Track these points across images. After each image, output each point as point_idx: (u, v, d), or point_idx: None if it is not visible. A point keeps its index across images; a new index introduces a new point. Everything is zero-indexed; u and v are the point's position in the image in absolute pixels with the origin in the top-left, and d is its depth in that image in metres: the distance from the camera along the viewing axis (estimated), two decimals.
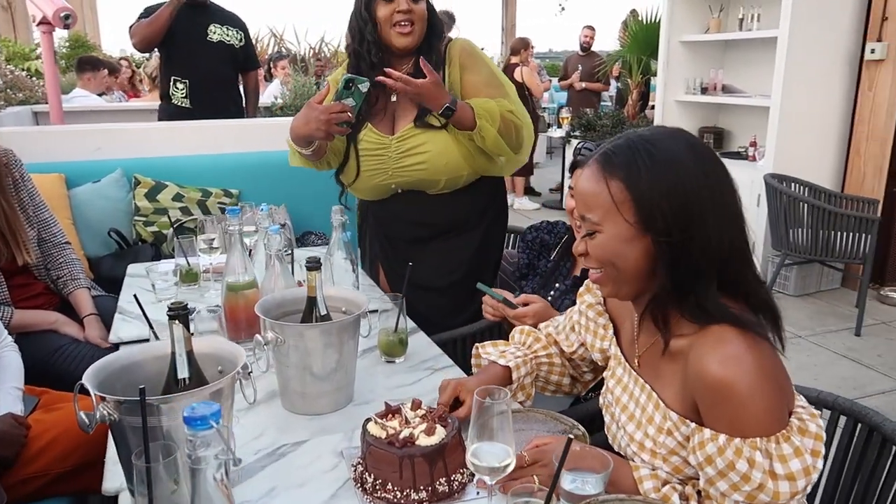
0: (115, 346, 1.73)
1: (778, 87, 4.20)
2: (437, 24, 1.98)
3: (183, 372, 1.07)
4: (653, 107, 6.21)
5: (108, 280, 2.46)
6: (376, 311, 1.64)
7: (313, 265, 1.37)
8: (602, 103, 8.03)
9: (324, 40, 11.05)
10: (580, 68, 7.39)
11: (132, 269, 2.31)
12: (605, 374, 1.25)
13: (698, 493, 1.02)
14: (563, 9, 8.26)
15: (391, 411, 1.16)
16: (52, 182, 2.69)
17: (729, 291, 1.01)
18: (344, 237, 1.83)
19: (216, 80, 3.79)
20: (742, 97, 4.83)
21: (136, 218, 2.84)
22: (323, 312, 1.39)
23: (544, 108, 9.73)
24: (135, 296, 1.45)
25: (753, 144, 4.71)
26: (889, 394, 3.14)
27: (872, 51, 4.10)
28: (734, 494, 0.94)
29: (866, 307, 3.82)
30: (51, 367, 1.93)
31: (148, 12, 3.62)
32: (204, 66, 3.73)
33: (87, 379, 1.03)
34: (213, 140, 3.13)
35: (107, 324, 2.01)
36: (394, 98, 1.98)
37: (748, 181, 4.41)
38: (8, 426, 1.46)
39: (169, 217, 2.68)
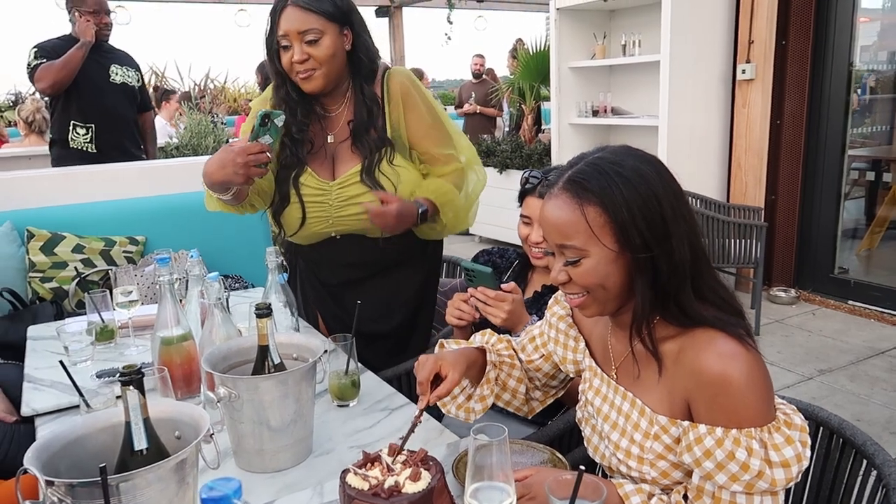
0: (29, 419, 1.57)
1: (664, 108, 4.47)
2: (363, 62, 1.86)
3: (140, 443, 0.97)
4: (544, 130, 6.45)
5: (4, 346, 2.22)
6: (325, 351, 1.57)
7: (263, 312, 1.29)
8: (497, 130, 8.26)
9: (209, 76, 10.78)
10: (474, 95, 7.58)
11: (33, 331, 2.11)
12: (581, 387, 1.26)
13: (685, 498, 1.04)
14: (449, 38, 8.44)
15: (370, 459, 1.10)
16: None
17: (701, 294, 1.05)
18: (280, 279, 1.75)
19: (121, 122, 3.63)
20: (630, 118, 5.11)
21: (32, 274, 2.60)
22: (276, 361, 1.32)
23: None
24: (60, 362, 1.31)
25: None
26: (793, 387, 3.37)
27: (743, 71, 4.45)
28: (733, 485, 0.97)
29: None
30: None
31: (45, 52, 3.38)
32: (110, 109, 3.57)
33: (29, 462, 0.92)
34: (112, 185, 2.93)
35: (11, 394, 1.81)
36: (330, 139, 1.90)
37: None
38: None
39: (77, 270, 2.47)
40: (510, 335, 1.64)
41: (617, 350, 1.16)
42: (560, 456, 1.23)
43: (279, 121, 1.67)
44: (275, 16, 1.76)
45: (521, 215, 1.79)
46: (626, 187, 1.00)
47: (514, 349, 1.42)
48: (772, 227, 4.60)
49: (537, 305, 1.72)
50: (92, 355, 1.83)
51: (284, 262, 1.75)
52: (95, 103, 3.50)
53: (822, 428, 1.29)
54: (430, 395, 1.21)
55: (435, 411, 1.47)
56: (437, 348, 1.44)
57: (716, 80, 4.59)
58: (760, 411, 0.98)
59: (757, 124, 4.51)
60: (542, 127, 6.63)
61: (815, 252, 4.64)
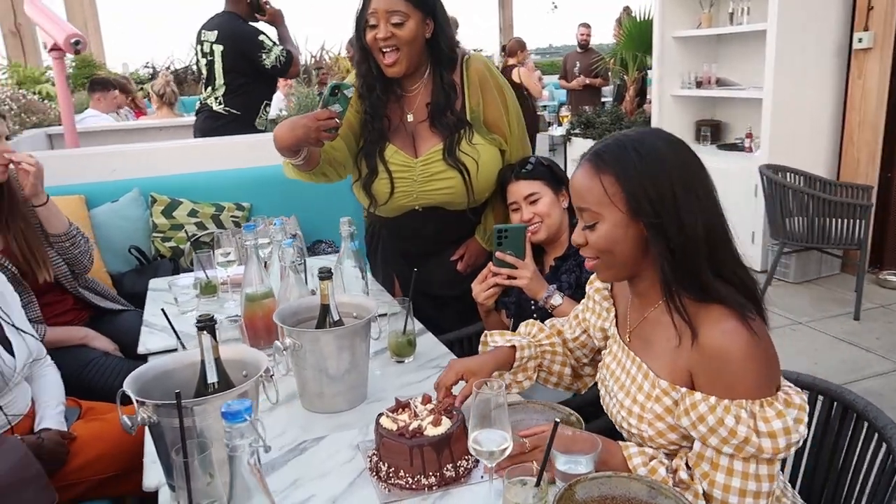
0: (143, 357, 1.86)
1: (769, 79, 4.29)
2: (442, 51, 1.97)
3: (212, 377, 1.19)
4: (650, 102, 6.31)
5: (131, 295, 2.58)
6: (385, 314, 1.76)
7: (325, 275, 1.48)
8: (603, 99, 8.13)
9: (324, 48, 11.20)
10: (578, 65, 7.50)
11: (153, 283, 2.44)
12: (603, 351, 1.37)
13: (687, 465, 1.14)
14: (555, 7, 8.33)
15: (401, 406, 1.28)
16: (73, 203, 2.83)
17: (719, 273, 1.13)
18: (353, 246, 1.94)
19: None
20: (736, 90, 4.92)
21: (154, 234, 2.98)
22: (336, 318, 1.51)
23: (544, 105, 9.83)
24: (162, 310, 1.57)
25: (749, 136, 4.80)
26: (886, 375, 3.23)
27: (860, 40, 4.18)
28: (725, 447, 1.07)
29: (865, 291, 3.91)
30: (83, 379, 2.05)
31: (269, 37, 3.76)
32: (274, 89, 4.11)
33: (128, 387, 1.15)
34: (223, 156, 3.26)
35: (134, 337, 2.13)
36: (409, 118, 2.03)
37: (745, 172, 4.50)
38: (53, 444, 1.58)
39: (186, 232, 2.81)
40: (534, 305, 1.80)
41: (633, 317, 1.27)
42: (577, 416, 1.35)
43: (348, 92, 1.79)
44: None
45: (508, 204, 1.92)
46: (639, 160, 1.12)
47: (557, 333, 1.54)
48: (886, 206, 4.33)
49: (556, 277, 1.83)
50: (196, 306, 2.11)
51: (354, 231, 1.93)
52: (274, 84, 4.00)
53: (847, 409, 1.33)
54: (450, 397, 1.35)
55: None
56: (480, 346, 1.58)
57: (828, 49, 4.34)
58: (756, 386, 1.06)
59: (873, 96, 4.24)
60: (648, 98, 6.49)
61: None
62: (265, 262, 1.94)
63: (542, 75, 7.51)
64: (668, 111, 5.36)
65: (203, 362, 1.20)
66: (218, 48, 3.76)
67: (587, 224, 1.18)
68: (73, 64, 7.74)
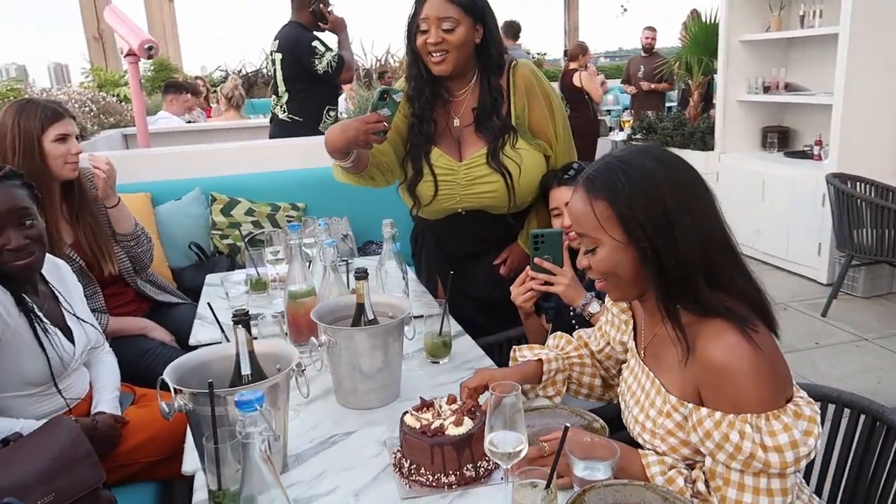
0: (194, 348, 1.95)
1: (840, 85, 4.12)
2: (491, 57, 2.01)
3: (245, 369, 1.25)
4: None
5: (190, 289, 2.70)
6: (421, 316, 1.79)
7: (361, 275, 1.53)
8: (669, 104, 7.97)
9: (389, 52, 11.37)
10: (642, 69, 7.37)
11: (209, 278, 2.55)
12: (623, 365, 1.37)
13: (705, 475, 1.13)
14: (625, 10, 8.21)
15: (426, 405, 1.31)
16: (139, 200, 2.98)
17: (717, 284, 1.12)
18: (394, 248, 1.98)
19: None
20: (805, 95, 4.74)
21: (213, 232, 3.11)
22: (370, 317, 1.55)
23: (608, 110, 9.70)
24: (208, 304, 1.65)
25: (818, 143, 4.62)
26: None
27: None
28: (733, 463, 1.05)
29: None
30: (140, 367, 2.17)
31: (326, 45, 3.91)
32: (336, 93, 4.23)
33: (167, 375, 1.23)
34: (281, 158, 3.38)
35: (189, 329, 2.24)
36: (456, 123, 2.07)
37: (813, 181, 4.34)
38: (107, 426, 1.68)
39: (240, 231, 2.93)
40: (572, 311, 1.79)
41: (647, 332, 1.26)
42: (602, 423, 1.34)
43: (397, 97, 1.84)
44: (419, 1, 1.97)
45: (550, 210, 1.92)
46: (628, 184, 1.11)
47: (584, 345, 1.54)
48: None
49: (593, 285, 1.82)
50: (246, 302, 2.20)
51: (396, 233, 1.97)
52: (336, 89, 4.11)
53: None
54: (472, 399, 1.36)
55: None
56: (510, 361, 1.58)
57: None
58: (761, 400, 1.04)
59: None
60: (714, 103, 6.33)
61: None
62: (309, 261, 2.00)
63: (605, 79, 7.40)
64: (734, 117, 5.21)
65: (238, 355, 1.26)
66: (278, 57, 3.93)
67: (588, 249, 1.19)
68: (152, 68, 8.14)
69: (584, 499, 1.02)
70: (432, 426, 1.23)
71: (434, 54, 1.94)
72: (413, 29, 1.98)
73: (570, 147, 2.13)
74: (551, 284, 1.76)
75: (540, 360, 1.48)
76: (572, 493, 1.04)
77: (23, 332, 1.61)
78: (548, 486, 0.97)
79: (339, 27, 3.96)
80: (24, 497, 1.28)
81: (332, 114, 4.01)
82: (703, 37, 5.61)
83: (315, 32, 3.94)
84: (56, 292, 1.77)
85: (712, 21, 5.61)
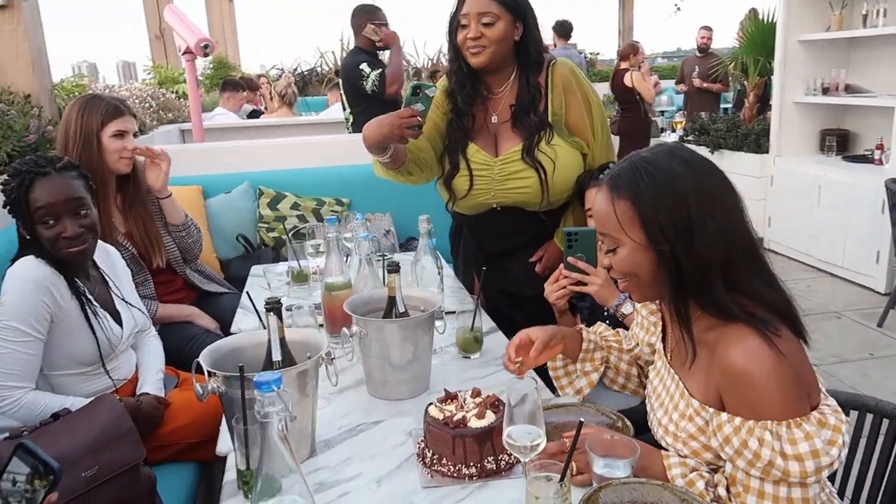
0: None
1: None
2: (530, 54, 2.03)
3: (276, 355, 1.29)
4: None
5: (236, 279, 2.79)
6: (454, 312, 1.81)
7: (393, 268, 1.56)
8: (724, 106, 7.78)
9: (441, 51, 11.41)
10: (697, 70, 7.22)
11: (254, 270, 2.63)
12: (650, 367, 1.36)
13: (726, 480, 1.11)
14: (678, 9, 8.05)
15: (450, 397, 1.33)
16: (192, 193, 3.09)
17: (740, 290, 1.10)
18: (430, 243, 2.01)
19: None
20: (866, 97, 4.57)
21: (260, 225, 3.20)
22: (402, 310, 1.58)
23: (661, 111, 9.54)
24: (247, 292, 1.71)
25: (880, 147, 4.45)
26: None
27: None
28: (752, 470, 1.04)
29: None
30: (185, 353, 2.25)
31: (372, 64, 4.03)
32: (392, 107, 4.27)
33: (203, 359, 1.28)
34: (327, 154, 3.45)
35: (232, 317, 2.31)
36: (494, 119, 2.10)
37: (872, 186, 4.19)
38: (150, 407, 1.76)
39: (283, 225, 3.01)
40: (606, 311, 1.77)
41: (674, 335, 1.25)
42: (627, 423, 1.34)
43: (430, 92, 1.85)
44: None
45: (585, 210, 1.93)
46: (651, 185, 1.10)
47: (619, 339, 1.53)
48: None
49: None
50: (288, 293, 2.26)
51: (432, 229, 2.00)
52: (388, 102, 4.16)
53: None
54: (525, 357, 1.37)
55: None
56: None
57: None
58: (782, 406, 1.02)
59: None
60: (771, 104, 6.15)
61: None
62: (347, 255, 2.05)
63: (659, 80, 7.27)
64: (790, 119, 5.06)
65: (269, 341, 1.30)
66: (341, 82, 4.20)
67: (609, 248, 1.18)
68: (211, 65, 8.38)
69: (599, 495, 1.03)
70: (455, 418, 1.25)
71: (472, 48, 1.98)
72: (454, 25, 2.03)
73: (609, 146, 2.13)
74: (585, 284, 1.76)
75: (580, 331, 1.47)
76: (588, 490, 1.04)
77: (74, 315, 1.69)
78: (561, 479, 0.98)
79: (389, 42, 4.06)
80: (69, 468, 1.35)
81: None
82: (759, 36, 5.46)
83: (377, 51, 4.11)
84: (106, 277, 1.86)
85: (770, 20, 5.46)
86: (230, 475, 1.27)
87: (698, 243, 1.08)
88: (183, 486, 1.76)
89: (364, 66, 3.99)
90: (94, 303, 1.75)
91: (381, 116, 1.91)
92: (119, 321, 1.82)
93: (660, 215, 1.09)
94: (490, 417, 1.24)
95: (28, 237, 1.70)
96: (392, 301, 1.58)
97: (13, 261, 1.70)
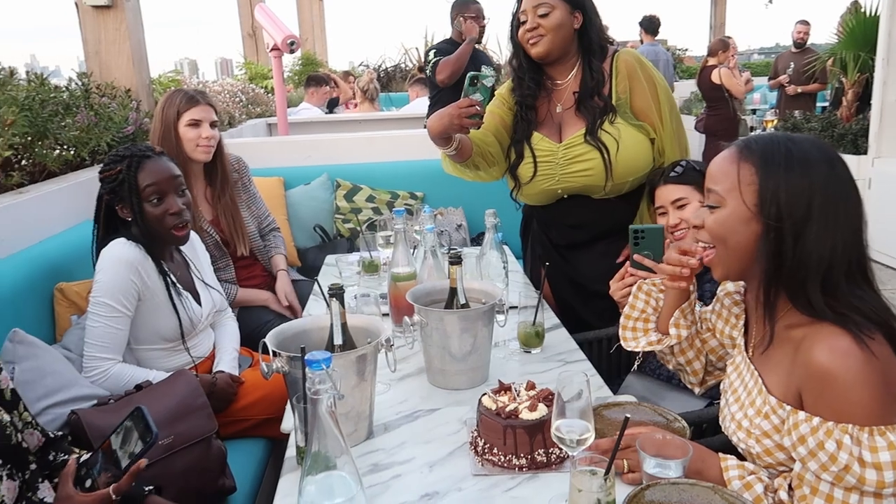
0: None
1: None
2: (592, 41, 2.07)
3: (338, 339, 1.35)
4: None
5: (312, 268, 2.91)
6: (515, 307, 1.82)
7: (454, 260, 1.59)
8: (822, 104, 7.37)
9: None
10: (792, 66, 6.88)
11: (328, 259, 2.73)
12: (728, 361, 1.33)
13: (791, 486, 1.08)
14: (770, 2, 7.69)
15: (504, 388, 1.34)
16: (273, 184, 3.23)
17: (835, 296, 1.06)
18: (497, 237, 2.03)
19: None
20: None
21: (337, 216, 3.30)
22: (462, 302, 1.61)
23: (753, 110, 9.14)
24: (316, 280, 1.77)
25: None
26: None
27: None
28: (823, 474, 1.00)
29: None
30: (260, 335, 2.32)
31: (440, 52, 4.14)
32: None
33: (269, 339, 1.35)
34: (402, 148, 3.52)
35: (306, 303, 2.41)
36: (558, 109, 2.13)
37: None
38: (225, 384, 1.86)
39: (358, 217, 3.09)
40: None
41: (757, 329, 1.22)
42: (684, 424, 1.31)
43: (487, 81, 1.90)
44: None
45: (655, 208, 1.88)
46: (787, 162, 1.08)
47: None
48: None
49: (700, 284, 1.75)
50: (358, 282, 2.32)
51: (499, 223, 2.02)
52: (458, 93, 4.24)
53: None
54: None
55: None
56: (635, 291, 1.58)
57: None
58: (867, 411, 0.98)
59: None
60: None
61: None
62: (415, 247, 2.09)
63: (751, 77, 6.97)
64: (892, 119, 4.75)
65: (332, 325, 1.36)
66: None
67: (710, 204, 1.16)
68: (300, 62, 8.67)
69: (644, 494, 1.02)
70: (507, 408, 1.26)
71: (531, 38, 2.04)
72: (515, 23, 2.10)
73: (680, 137, 2.11)
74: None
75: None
76: (635, 487, 1.04)
77: (159, 294, 1.81)
78: (606, 474, 0.98)
79: (465, 34, 4.12)
80: None
81: None
82: (861, 30, 5.15)
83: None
84: (188, 260, 1.98)
85: (873, 14, 5.14)
86: (291, 451, 1.33)
87: (809, 235, 1.05)
88: (252, 460, 1.86)
89: (432, 54, 4.10)
90: (177, 283, 1.87)
91: (442, 108, 1.97)
92: (199, 301, 1.93)
93: (781, 192, 1.07)
94: (542, 410, 1.25)
95: (129, 219, 1.82)
96: (453, 292, 1.61)
97: (101, 246, 1.83)
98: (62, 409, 1.56)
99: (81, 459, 1.23)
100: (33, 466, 1.24)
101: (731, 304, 1.35)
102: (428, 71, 4.08)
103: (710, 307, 1.45)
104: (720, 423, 1.29)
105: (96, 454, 1.17)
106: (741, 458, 1.18)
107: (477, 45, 4.32)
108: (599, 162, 2.03)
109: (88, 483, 1.13)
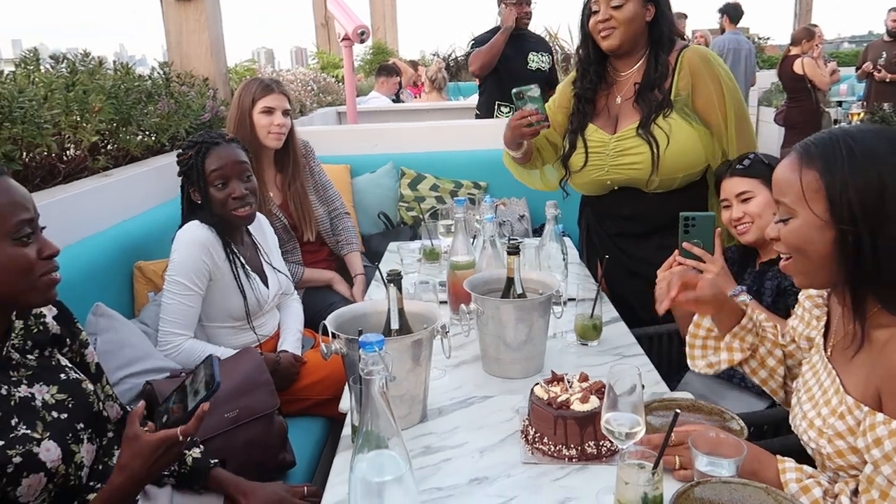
0: None
1: None
2: (662, 34, 2.04)
3: (395, 324, 1.38)
4: None
5: (376, 254, 2.96)
6: (573, 299, 1.82)
7: (512, 251, 1.60)
8: None
9: None
10: (884, 56, 6.50)
11: (391, 246, 2.78)
12: (803, 361, 1.30)
13: (855, 492, 1.05)
14: None
15: (557, 379, 1.35)
16: (341, 171, 3.30)
17: None
18: (556, 229, 2.02)
19: None
20: None
21: (401, 204, 3.35)
22: (519, 291, 1.61)
23: (839, 101, 8.69)
24: (377, 265, 1.82)
25: None
26: None
27: None
28: None
29: None
30: (323, 318, 2.42)
31: (477, 42, 4.16)
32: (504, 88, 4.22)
33: (329, 322, 1.40)
34: (467, 137, 3.53)
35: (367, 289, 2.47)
36: (618, 100, 2.12)
37: None
38: (288, 363, 1.94)
39: (421, 206, 3.12)
40: None
41: (838, 329, 1.18)
42: (742, 425, 1.29)
43: (531, 92, 2.00)
44: None
45: (720, 200, 1.84)
46: (849, 160, 1.03)
47: (777, 332, 1.45)
48: None
49: (760, 280, 1.71)
50: (418, 269, 2.36)
51: (559, 214, 2.02)
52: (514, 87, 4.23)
53: None
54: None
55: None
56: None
57: None
58: None
59: None
60: None
61: None
62: (475, 236, 2.11)
63: (837, 67, 6.63)
64: None
65: (389, 310, 1.39)
66: None
67: (781, 217, 1.12)
68: (371, 51, 8.79)
69: (693, 491, 1.01)
70: (559, 399, 1.27)
71: (602, 30, 2.03)
72: (586, 12, 2.09)
73: (748, 137, 2.07)
74: (699, 272, 1.69)
75: (746, 306, 1.40)
76: (684, 484, 1.03)
77: (228, 275, 1.90)
78: (654, 468, 0.97)
79: (503, 23, 4.03)
80: (216, 408, 1.53)
81: (503, 109, 4.10)
82: None
83: (518, 32, 4.08)
84: (257, 243, 2.06)
85: None
86: (348, 430, 1.38)
87: (888, 230, 1.01)
88: (312, 438, 1.93)
89: (473, 45, 4.11)
90: (246, 265, 1.95)
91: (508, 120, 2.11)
92: (266, 283, 2.01)
93: (850, 193, 1.02)
94: (594, 402, 1.25)
95: (199, 202, 1.92)
96: (510, 282, 1.62)
97: (181, 226, 1.94)
98: (138, 379, 1.66)
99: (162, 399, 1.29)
100: (111, 434, 1.33)
101: (812, 307, 1.31)
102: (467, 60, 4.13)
103: (792, 316, 1.40)
104: (790, 421, 1.25)
105: (173, 393, 1.23)
106: (804, 461, 1.15)
107: (529, 30, 4.21)
108: (648, 156, 2.01)
109: (165, 419, 1.18)
